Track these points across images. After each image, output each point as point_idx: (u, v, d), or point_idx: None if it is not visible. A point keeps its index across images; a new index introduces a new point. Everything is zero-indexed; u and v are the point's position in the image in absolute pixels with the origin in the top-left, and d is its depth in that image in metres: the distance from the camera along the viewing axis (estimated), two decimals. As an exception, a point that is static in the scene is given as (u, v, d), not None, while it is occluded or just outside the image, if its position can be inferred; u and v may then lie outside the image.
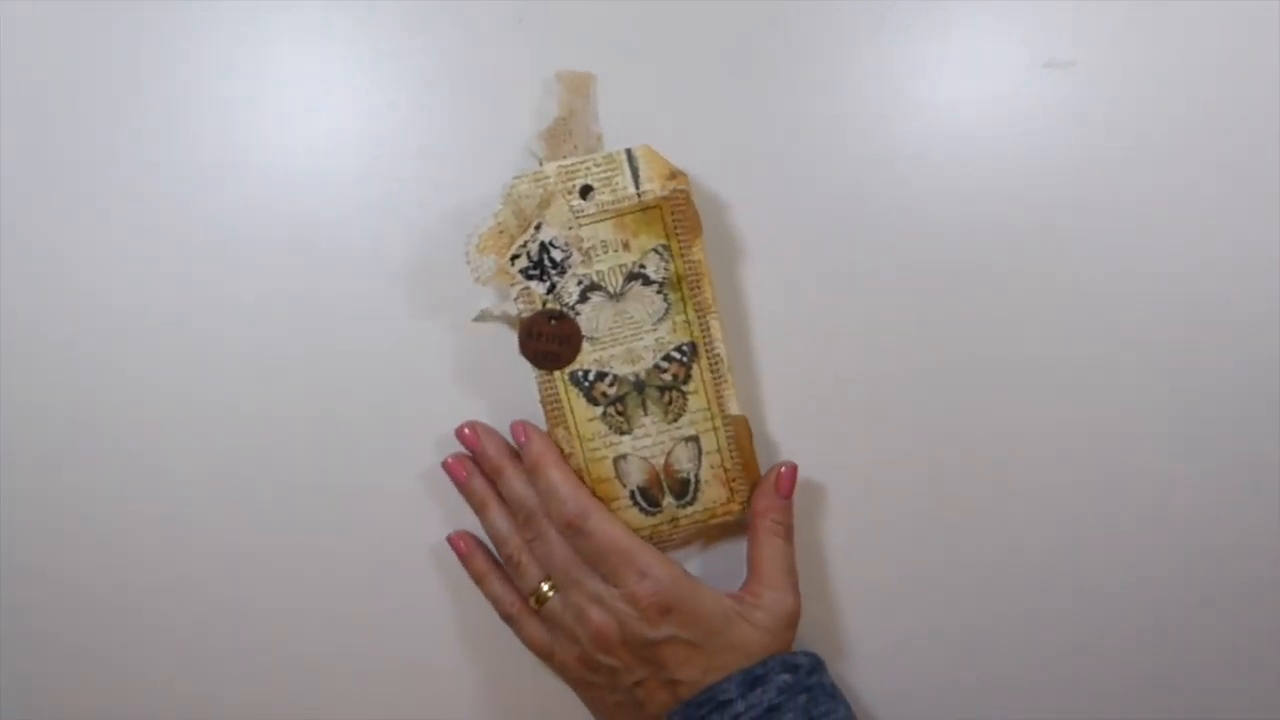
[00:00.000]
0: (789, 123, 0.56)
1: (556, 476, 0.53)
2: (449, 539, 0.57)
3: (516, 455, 0.55)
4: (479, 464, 0.56)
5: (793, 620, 0.53)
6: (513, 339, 0.54)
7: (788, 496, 0.55)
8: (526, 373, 0.54)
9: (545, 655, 0.56)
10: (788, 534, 0.55)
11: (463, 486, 0.56)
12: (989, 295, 0.56)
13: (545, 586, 0.54)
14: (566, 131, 0.54)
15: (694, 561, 0.59)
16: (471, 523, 0.57)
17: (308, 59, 0.56)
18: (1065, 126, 0.55)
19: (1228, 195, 0.55)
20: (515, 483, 0.55)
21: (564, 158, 0.54)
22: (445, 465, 0.56)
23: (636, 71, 0.56)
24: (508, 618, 0.56)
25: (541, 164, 0.54)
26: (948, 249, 0.57)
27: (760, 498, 0.55)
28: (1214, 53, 0.54)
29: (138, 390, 0.57)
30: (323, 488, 0.58)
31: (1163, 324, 0.56)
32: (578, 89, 0.55)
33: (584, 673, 0.54)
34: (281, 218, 0.56)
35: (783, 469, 0.55)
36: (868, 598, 0.58)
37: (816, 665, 0.53)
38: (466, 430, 0.56)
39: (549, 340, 0.53)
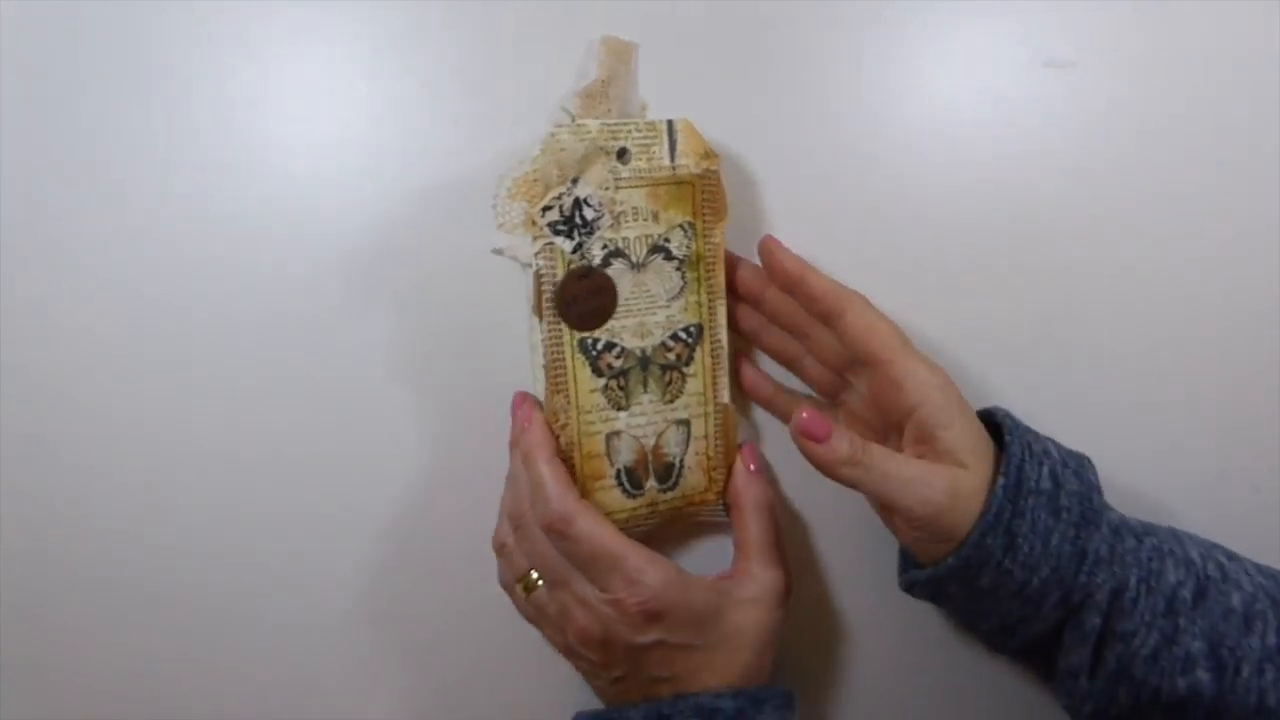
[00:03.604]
0: (788, 122, 0.57)
1: (545, 472, 0.50)
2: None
3: None
4: None
5: (783, 593, 0.52)
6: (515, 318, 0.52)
7: (760, 471, 0.55)
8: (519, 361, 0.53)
9: (538, 623, 0.53)
10: (770, 509, 0.54)
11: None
12: (987, 293, 0.57)
13: (534, 575, 0.51)
14: (604, 94, 0.52)
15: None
16: (469, 516, 0.56)
17: (308, 59, 0.56)
18: (1065, 126, 0.55)
19: (1227, 195, 0.55)
20: (514, 463, 0.52)
21: (598, 119, 0.52)
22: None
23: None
24: (503, 587, 0.54)
25: (574, 120, 0.51)
26: (945, 247, 0.57)
27: (736, 478, 0.55)
28: (1214, 53, 0.55)
29: (137, 386, 0.56)
30: (320, 482, 0.57)
31: (1162, 322, 0.56)
32: (620, 55, 0.53)
33: (569, 655, 0.52)
34: (282, 216, 0.56)
35: (743, 448, 0.56)
36: (859, 590, 0.59)
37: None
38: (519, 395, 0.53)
39: (586, 299, 0.51)
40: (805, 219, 0.57)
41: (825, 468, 0.48)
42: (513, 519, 0.52)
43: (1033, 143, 0.55)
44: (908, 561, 0.54)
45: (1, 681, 0.57)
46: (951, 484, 0.47)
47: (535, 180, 0.50)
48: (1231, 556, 0.49)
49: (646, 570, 0.48)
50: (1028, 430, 0.50)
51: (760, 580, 0.52)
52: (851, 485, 0.48)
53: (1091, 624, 0.47)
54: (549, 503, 0.49)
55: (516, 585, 0.52)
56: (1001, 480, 0.47)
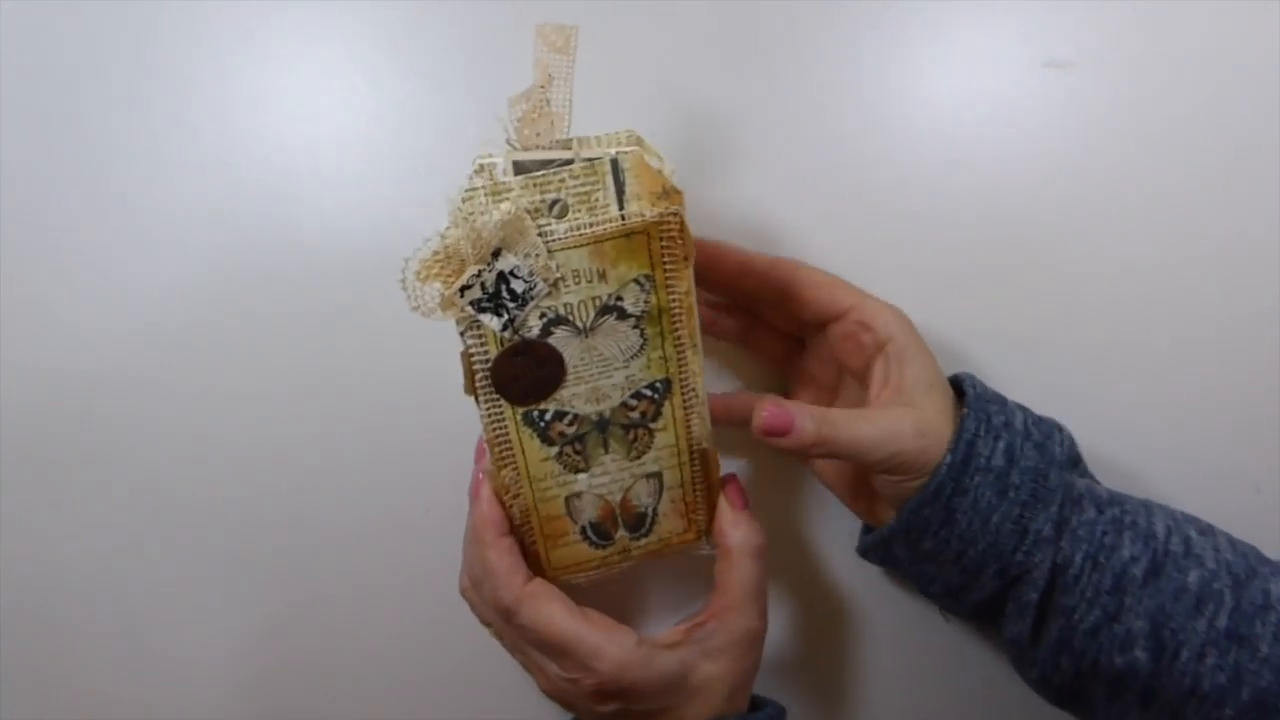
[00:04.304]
0: (786, 123, 0.54)
1: (491, 557, 0.47)
2: None
3: None
4: None
5: (755, 641, 0.49)
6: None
7: (745, 508, 0.51)
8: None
9: None
10: (757, 552, 0.50)
11: None
12: (986, 293, 0.55)
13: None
14: (544, 104, 0.42)
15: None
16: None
17: (308, 59, 0.55)
18: (1065, 126, 0.54)
19: (1228, 194, 0.53)
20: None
21: (537, 135, 0.42)
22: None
23: (630, 71, 0.53)
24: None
25: (510, 143, 0.42)
26: (945, 247, 0.55)
27: (720, 520, 0.50)
28: (1214, 53, 0.53)
29: (137, 386, 0.56)
30: (320, 483, 0.57)
31: (1162, 322, 0.55)
32: (558, 45, 0.42)
33: None
34: (281, 217, 0.55)
35: (727, 486, 0.51)
36: (848, 622, 0.58)
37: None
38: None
39: (528, 374, 0.44)
40: (804, 219, 0.54)
41: (797, 454, 0.49)
42: (471, 578, 0.50)
43: (1033, 143, 0.54)
44: (867, 528, 0.54)
45: (1, 681, 0.59)
46: (916, 426, 0.47)
47: (448, 257, 0.42)
48: (1204, 530, 0.48)
49: (600, 653, 0.46)
50: (992, 399, 0.49)
51: (733, 628, 0.49)
52: (826, 457, 0.48)
53: (1029, 598, 0.47)
54: (495, 590, 0.47)
55: (487, 629, 0.51)
56: (948, 458, 0.46)
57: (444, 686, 0.59)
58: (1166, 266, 0.54)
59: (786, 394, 0.55)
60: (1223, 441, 0.55)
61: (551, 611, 0.46)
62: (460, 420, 0.50)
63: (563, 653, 0.46)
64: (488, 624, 0.51)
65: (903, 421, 0.46)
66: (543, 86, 0.42)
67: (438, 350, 0.51)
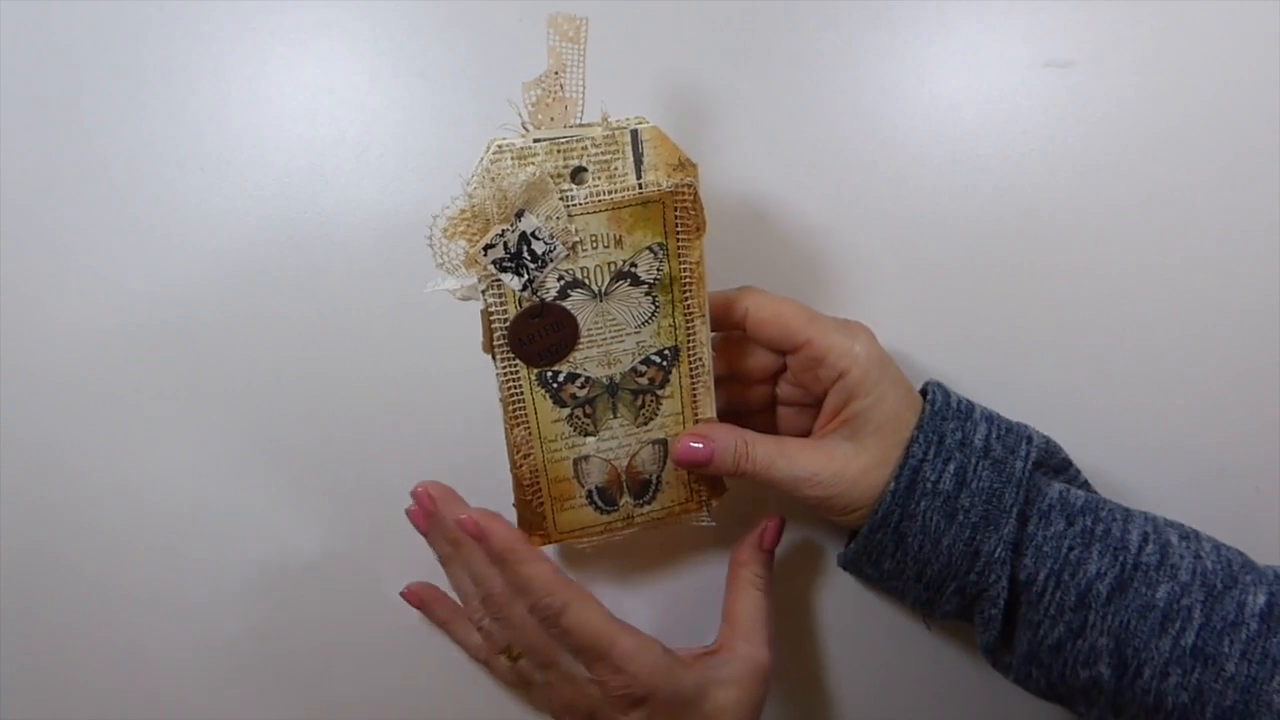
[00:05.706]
0: (788, 123, 0.55)
1: (531, 571, 0.48)
2: (403, 594, 0.55)
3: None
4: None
5: (764, 674, 0.51)
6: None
7: (770, 550, 0.53)
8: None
9: (521, 688, 0.54)
10: (767, 588, 0.52)
11: (426, 536, 0.53)
12: (987, 293, 0.55)
13: (516, 649, 0.51)
14: (557, 88, 0.44)
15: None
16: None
17: (308, 58, 0.55)
18: (1065, 126, 0.54)
19: (1228, 194, 0.54)
20: (475, 560, 0.50)
21: (551, 120, 0.44)
22: (409, 514, 0.53)
23: (629, 69, 0.54)
24: (478, 661, 0.54)
25: (525, 126, 0.44)
26: (945, 247, 0.55)
27: (743, 549, 0.53)
28: (1214, 52, 0.54)
29: (136, 385, 0.56)
30: (319, 483, 0.57)
31: (1162, 322, 0.55)
32: (569, 34, 0.44)
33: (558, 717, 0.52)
34: (281, 216, 0.56)
35: (769, 522, 0.53)
36: (849, 610, 0.59)
37: None
38: (422, 491, 0.52)
39: (543, 336, 0.46)
40: (804, 218, 0.55)
41: (719, 477, 0.51)
42: (485, 603, 0.51)
43: (1033, 142, 0.54)
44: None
45: (1, 681, 0.58)
46: (836, 475, 0.48)
47: (474, 215, 0.44)
48: (1187, 536, 0.47)
49: (633, 658, 0.48)
50: (952, 416, 0.48)
51: (744, 660, 0.51)
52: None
53: (990, 613, 0.48)
54: (542, 596, 0.48)
55: (499, 657, 0.53)
56: (892, 485, 0.47)
57: (444, 687, 0.58)
58: (1166, 266, 0.54)
59: (775, 401, 0.54)
60: (1223, 441, 0.55)
61: (595, 612, 0.48)
62: (460, 420, 0.53)
63: (599, 654, 0.47)
64: (499, 651, 0.52)
65: (823, 468, 0.47)
66: (556, 73, 0.44)
67: (438, 350, 0.55)
